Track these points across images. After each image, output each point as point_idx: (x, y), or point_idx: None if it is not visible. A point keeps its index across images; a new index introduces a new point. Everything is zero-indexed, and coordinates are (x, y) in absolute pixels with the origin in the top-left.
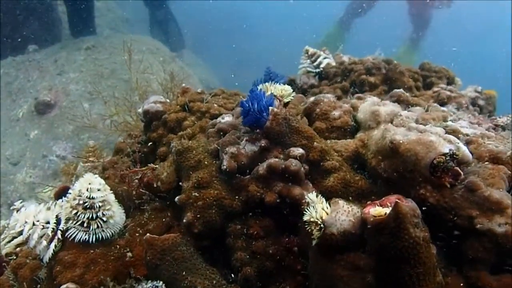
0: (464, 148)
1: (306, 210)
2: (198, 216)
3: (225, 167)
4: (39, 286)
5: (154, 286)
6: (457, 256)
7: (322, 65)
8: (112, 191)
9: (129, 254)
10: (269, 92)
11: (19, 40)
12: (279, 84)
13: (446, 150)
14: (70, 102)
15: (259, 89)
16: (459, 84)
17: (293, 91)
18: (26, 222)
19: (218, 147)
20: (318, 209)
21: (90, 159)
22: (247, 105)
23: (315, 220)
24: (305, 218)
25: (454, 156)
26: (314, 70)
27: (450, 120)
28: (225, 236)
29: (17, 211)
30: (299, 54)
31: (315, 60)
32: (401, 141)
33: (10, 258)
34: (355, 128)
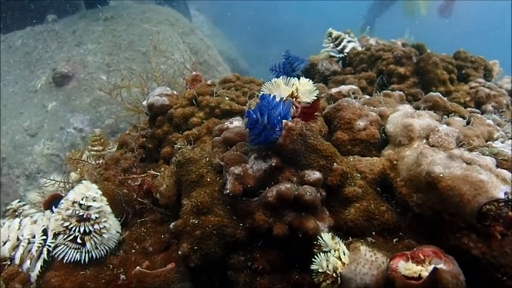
0: None
1: (316, 257)
2: (196, 247)
3: (228, 191)
4: None
5: None
6: None
7: (346, 50)
8: (110, 197)
9: (123, 276)
10: (281, 90)
11: (38, 9)
12: (299, 70)
13: (501, 195)
14: (87, 74)
15: (271, 95)
16: (497, 70)
17: (315, 88)
18: (9, 237)
19: (222, 163)
20: (331, 259)
21: (95, 148)
22: (254, 116)
23: (325, 271)
24: (313, 266)
25: (510, 203)
26: (338, 55)
27: (496, 138)
28: (226, 267)
29: (14, 211)
30: (325, 29)
31: (339, 44)
32: (441, 175)
33: (5, 263)
34: (383, 141)
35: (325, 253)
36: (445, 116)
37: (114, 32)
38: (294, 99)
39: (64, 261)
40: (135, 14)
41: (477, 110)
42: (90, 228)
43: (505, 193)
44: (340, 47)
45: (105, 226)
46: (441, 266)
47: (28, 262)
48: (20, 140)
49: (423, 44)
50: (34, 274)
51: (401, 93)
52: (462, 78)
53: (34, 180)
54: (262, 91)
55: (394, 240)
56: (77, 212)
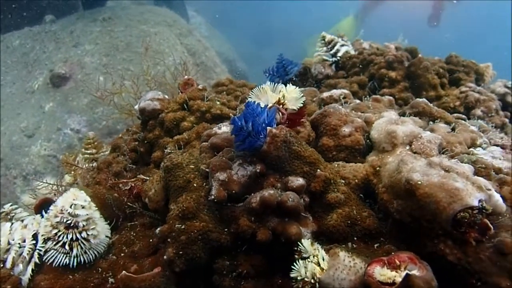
0: (496, 197)
1: (295, 264)
2: (181, 252)
3: (213, 196)
4: None
5: None
6: None
7: (339, 54)
8: (101, 201)
9: (111, 280)
10: (268, 96)
11: (36, 9)
12: (293, 74)
13: (475, 203)
14: (85, 75)
15: (255, 102)
16: (490, 73)
17: (302, 96)
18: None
19: (208, 170)
20: (309, 266)
21: (88, 151)
22: (239, 123)
23: (304, 278)
24: (293, 274)
25: (484, 210)
26: (331, 59)
27: (479, 145)
28: (211, 272)
29: (6, 214)
30: (324, 29)
31: (332, 48)
32: (419, 182)
33: None
34: (368, 147)
35: (304, 260)
36: (431, 122)
37: (112, 33)
38: (281, 105)
39: (54, 265)
40: (133, 15)
41: (463, 116)
42: (78, 235)
43: (479, 201)
44: (333, 51)
45: (92, 233)
46: (414, 272)
47: (20, 265)
48: (17, 141)
49: (416, 48)
50: (25, 278)
51: (391, 98)
52: (453, 82)
53: (31, 181)
54: (249, 97)
55: (375, 245)
56: (65, 219)
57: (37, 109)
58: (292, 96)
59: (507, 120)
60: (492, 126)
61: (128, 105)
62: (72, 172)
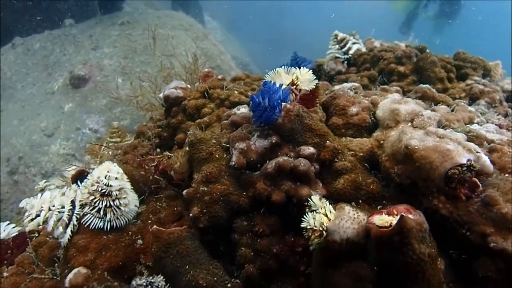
0: (484, 159)
1: (305, 215)
2: (205, 211)
3: (233, 163)
4: (56, 265)
5: (148, 282)
6: (467, 272)
7: (351, 51)
8: (129, 177)
9: (140, 241)
10: (282, 78)
11: (56, 14)
12: (304, 69)
13: (463, 161)
14: (103, 76)
15: (272, 82)
16: (500, 71)
17: (315, 78)
18: (42, 207)
19: (229, 142)
20: (317, 217)
21: (113, 140)
22: (257, 100)
23: (313, 227)
24: (303, 224)
25: (472, 167)
26: (343, 56)
27: (476, 123)
28: (231, 231)
29: (41, 190)
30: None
31: (344, 46)
32: (416, 147)
33: (32, 235)
34: (374, 125)
35: (313, 212)
36: (433, 105)
37: (130, 37)
38: (294, 87)
39: (90, 227)
40: (150, 19)
41: (464, 101)
42: (111, 203)
43: (468, 160)
44: (345, 48)
45: (123, 202)
46: (409, 216)
47: (60, 228)
48: (37, 140)
49: (425, 46)
50: (65, 239)
51: (398, 88)
52: (461, 78)
53: (50, 178)
54: (265, 78)
55: (378, 207)
56: (100, 188)
57: (57, 109)
58: (306, 78)
59: (510, 110)
60: (494, 112)
61: (148, 103)
62: (98, 159)
